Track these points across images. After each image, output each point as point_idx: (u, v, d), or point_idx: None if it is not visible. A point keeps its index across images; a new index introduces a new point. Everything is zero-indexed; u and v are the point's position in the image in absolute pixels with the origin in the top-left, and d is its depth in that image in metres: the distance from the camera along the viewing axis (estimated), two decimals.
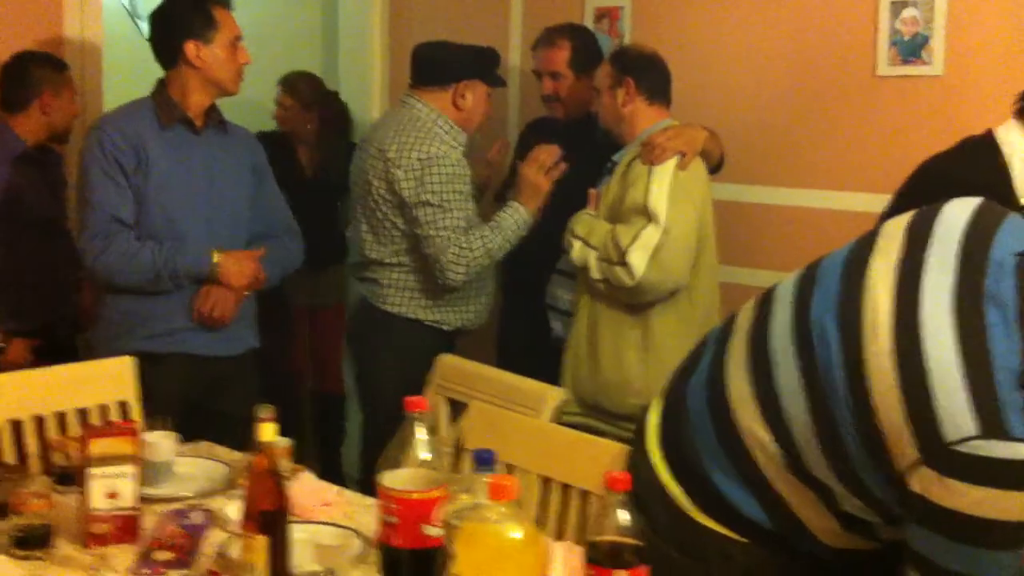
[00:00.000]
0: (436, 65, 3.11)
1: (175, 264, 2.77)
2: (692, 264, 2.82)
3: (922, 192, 1.63)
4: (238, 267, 2.85)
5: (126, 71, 4.05)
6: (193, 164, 2.85)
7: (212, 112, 2.91)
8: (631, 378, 2.83)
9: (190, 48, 2.79)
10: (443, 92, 3.09)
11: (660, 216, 2.74)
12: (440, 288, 3.08)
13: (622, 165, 2.90)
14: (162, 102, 2.84)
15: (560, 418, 2.79)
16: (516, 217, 3.07)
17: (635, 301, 2.81)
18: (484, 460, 1.64)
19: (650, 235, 2.73)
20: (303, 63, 4.41)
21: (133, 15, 4.88)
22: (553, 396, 2.42)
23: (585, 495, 2.08)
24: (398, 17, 4.16)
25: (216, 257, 2.82)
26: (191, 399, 2.83)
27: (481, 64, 3.14)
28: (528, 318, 3.27)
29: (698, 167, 2.87)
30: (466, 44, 3.19)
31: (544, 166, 3.08)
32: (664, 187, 2.76)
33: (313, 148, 4.13)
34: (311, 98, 4.14)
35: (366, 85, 4.16)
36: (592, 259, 2.81)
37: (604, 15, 3.72)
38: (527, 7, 3.86)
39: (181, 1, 2.87)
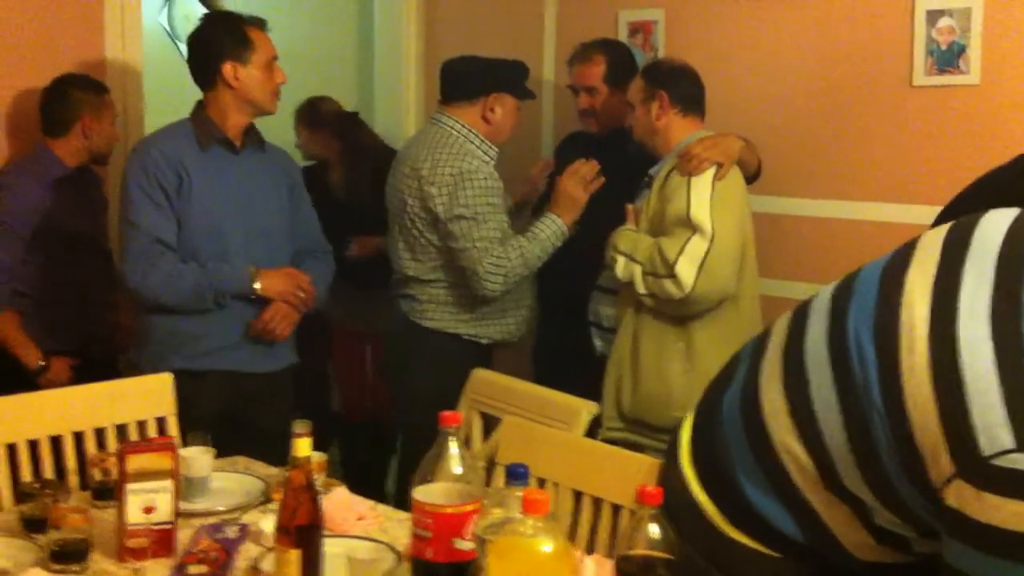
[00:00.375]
0: (464, 80, 3.13)
1: (218, 284, 2.82)
2: (738, 273, 2.81)
3: (974, 206, 1.61)
4: (279, 282, 2.90)
5: (166, 92, 4.12)
6: (232, 184, 2.89)
7: (251, 132, 2.95)
8: (673, 390, 2.82)
9: (227, 69, 2.83)
10: (472, 106, 3.11)
11: (705, 226, 2.73)
12: (478, 302, 3.09)
13: (659, 178, 2.90)
14: (201, 123, 2.89)
15: (604, 433, 2.80)
16: (553, 228, 3.08)
17: (684, 313, 2.81)
18: (517, 474, 1.64)
19: (696, 246, 2.73)
20: (338, 84, 4.46)
21: (173, 37, 4.95)
22: (586, 410, 2.41)
23: (617, 509, 2.07)
24: (432, 36, 4.19)
25: (256, 274, 2.86)
26: (231, 414, 2.87)
27: (509, 77, 3.16)
28: (565, 332, 3.27)
29: (736, 176, 2.87)
30: (493, 57, 3.21)
31: (584, 179, 3.08)
32: (705, 197, 2.76)
33: (339, 171, 4.13)
34: (315, 121, 4.13)
35: (401, 104, 4.19)
36: (638, 274, 2.81)
37: (638, 29, 3.72)
38: (560, 23, 3.88)
39: (217, 23, 2.92)
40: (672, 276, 2.73)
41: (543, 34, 3.89)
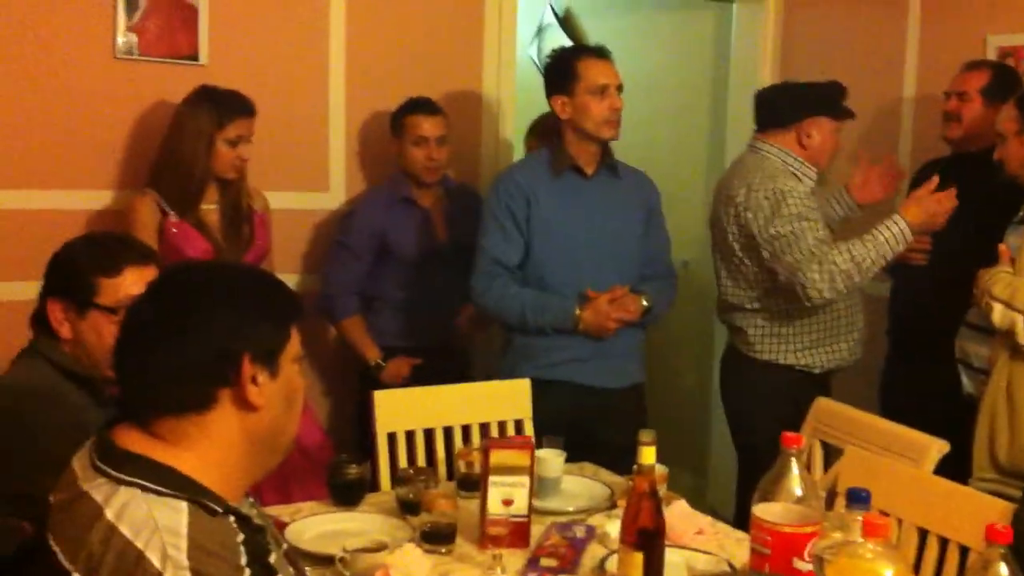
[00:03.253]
0: (777, 107, 3.12)
1: (540, 319, 3.00)
2: None
3: None
4: (598, 320, 2.99)
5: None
6: (581, 209, 3.04)
7: (603, 158, 3.09)
8: None
9: (556, 103, 3.01)
10: (787, 133, 3.08)
11: None
12: (807, 329, 3.06)
13: None
14: (555, 151, 3.08)
15: (974, 484, 2.67)
16: (895, 230, 2.90)
17: None
18: (859, 498, 1.65)
19: None
20: (692, 110, 4.54)
21: (540, 69, 5.25)
22: (936, 448, 2.34)
23: (964, 551, 2.01)
24: (788, 61, 4.19)
25: (579, 313, 2.98)
26: (577, 424, 2.97)
27: (823, 99, 3.09)
28: (919, 366, 3.16)
29: None
30: (808, 82, 3.16)
31: (943, 208, 2.91)
32: None
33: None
34: None
35: (752, 130, 4.21)
36: (1020, 324, 2.64)
37: (1008, 54, 3.54)
38: (923, 45, 3.75)
39: (551, 59, 3.11)
40: None
41: (904, 56, 3.79)
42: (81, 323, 1.97)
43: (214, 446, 1.37)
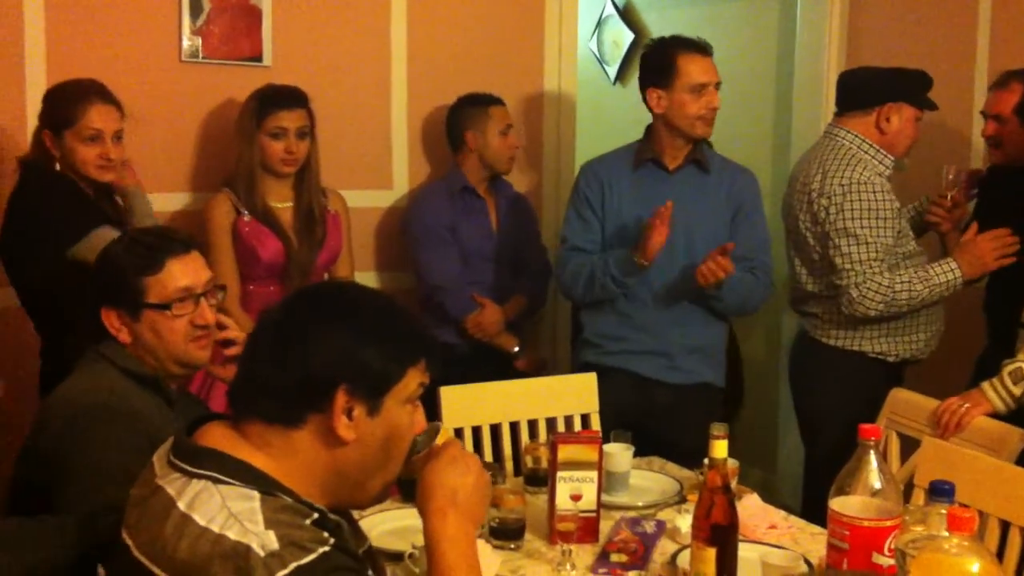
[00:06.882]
0: (859, 89, 3.06)
1: (607, 266, 2.95)
2: None
3: None
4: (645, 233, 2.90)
5: (593, 113, 4.35)
6: (658, 203, 2.93)
7: (692, 153, 3.03)
8: None
9: (651, 96, 2.98)
10: (866, 116, 3.02)
11: None
12: (883, 318, 3.00)
13: None
14: (641, 144, 3.07)
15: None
16: (948, 278, 2.92)
17: None
18: (942, 491, 1.60)
19: None
20: (757, 98, 4.48)
21: (601, 61, 5.23)
22: (1019, 437, 2.28)
23: None
24: (855, 51, 4.10)
25: (640, 254, 2.90)
26: (639, 420, 2.87)
27: (907, 85, 3.03)
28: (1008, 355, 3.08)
29: None
30: (894, 67, 3.11)
31: (1002, 250, 2.89)
32: None
33: None
34: None
35: (820, 118, 4.14)
36: None
37: None
38: (995, 30, 3.64)
39: (653, 50, 3.05)
40: None
41: (976, 43, 3.68)
42: (137, 326, 1.95)
43: (295, 462, 1.36)
